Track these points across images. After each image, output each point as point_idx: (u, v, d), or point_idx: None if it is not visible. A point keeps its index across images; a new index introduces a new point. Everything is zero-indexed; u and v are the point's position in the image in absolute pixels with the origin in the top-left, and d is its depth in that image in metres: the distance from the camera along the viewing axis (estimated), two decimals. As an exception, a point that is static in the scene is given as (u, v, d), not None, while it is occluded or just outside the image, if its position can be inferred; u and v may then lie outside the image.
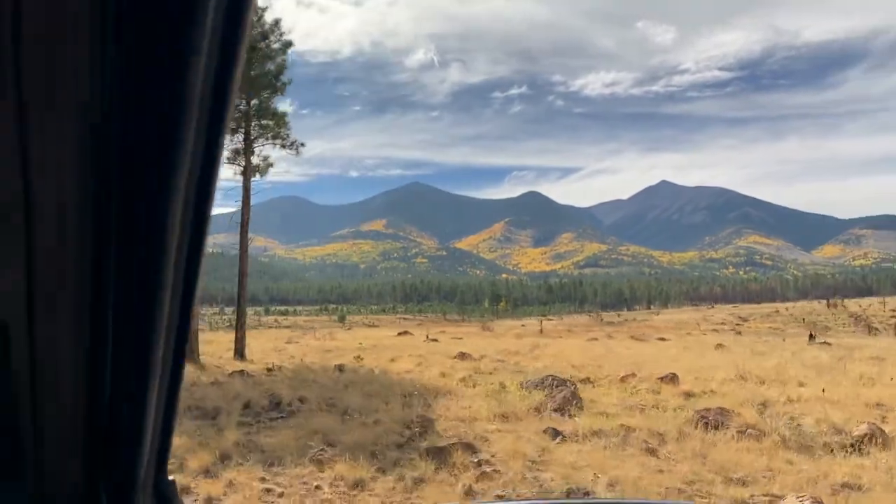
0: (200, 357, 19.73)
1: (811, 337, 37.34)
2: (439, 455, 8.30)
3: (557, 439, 9.42)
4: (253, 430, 10.27)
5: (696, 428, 9.77)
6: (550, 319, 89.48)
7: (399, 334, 40.07)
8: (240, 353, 21.67)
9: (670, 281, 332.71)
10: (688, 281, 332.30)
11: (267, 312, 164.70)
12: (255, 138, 22.71)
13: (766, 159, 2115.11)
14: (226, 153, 23.20)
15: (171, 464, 1.13)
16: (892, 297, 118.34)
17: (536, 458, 8.45)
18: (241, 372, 15.71)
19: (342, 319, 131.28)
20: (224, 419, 10.72)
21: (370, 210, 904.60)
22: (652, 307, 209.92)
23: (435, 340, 31.54)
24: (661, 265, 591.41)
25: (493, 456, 8.52)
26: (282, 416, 11.53)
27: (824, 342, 32.46)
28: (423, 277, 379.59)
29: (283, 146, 23.19)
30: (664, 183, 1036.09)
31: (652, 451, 8.86)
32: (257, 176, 22.95)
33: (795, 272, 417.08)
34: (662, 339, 36.91)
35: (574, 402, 11.61)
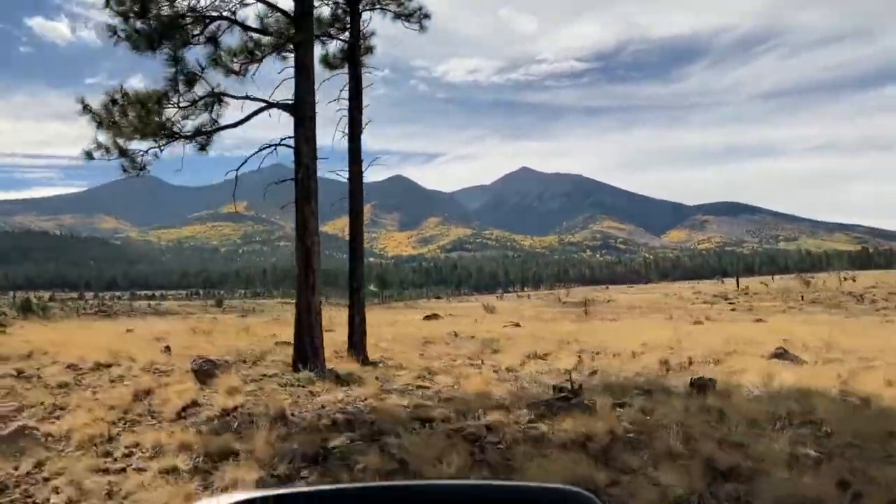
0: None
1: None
2: None
3: None
4: None
5: None
6: (505, 300, 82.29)
7: (426, 318, 31.47)
8: (357, 348, 12.73)
9: (539, 264, 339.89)
10: (555, 263, 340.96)
11: (133, 298, 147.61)
12: (365, -5, 13.59)
13: (618, 148, 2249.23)
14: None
15: None
16: (775, 275, 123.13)
17: None
18: (567, 401, 7.24)
19: (220, 304, 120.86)
20: None
21: (230, 192, 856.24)
22: (526, 288, 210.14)
23: (517, 325, 23.60)
24: (523, 249, 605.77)
25: None
26: None
27: None
28: (290, 261, 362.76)
29: (400, 15, 14.16)
30: (524, 169, 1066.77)
31: None
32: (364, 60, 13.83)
33: (647, 255, 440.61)
34: (760, 321, 30.77)
35: None
